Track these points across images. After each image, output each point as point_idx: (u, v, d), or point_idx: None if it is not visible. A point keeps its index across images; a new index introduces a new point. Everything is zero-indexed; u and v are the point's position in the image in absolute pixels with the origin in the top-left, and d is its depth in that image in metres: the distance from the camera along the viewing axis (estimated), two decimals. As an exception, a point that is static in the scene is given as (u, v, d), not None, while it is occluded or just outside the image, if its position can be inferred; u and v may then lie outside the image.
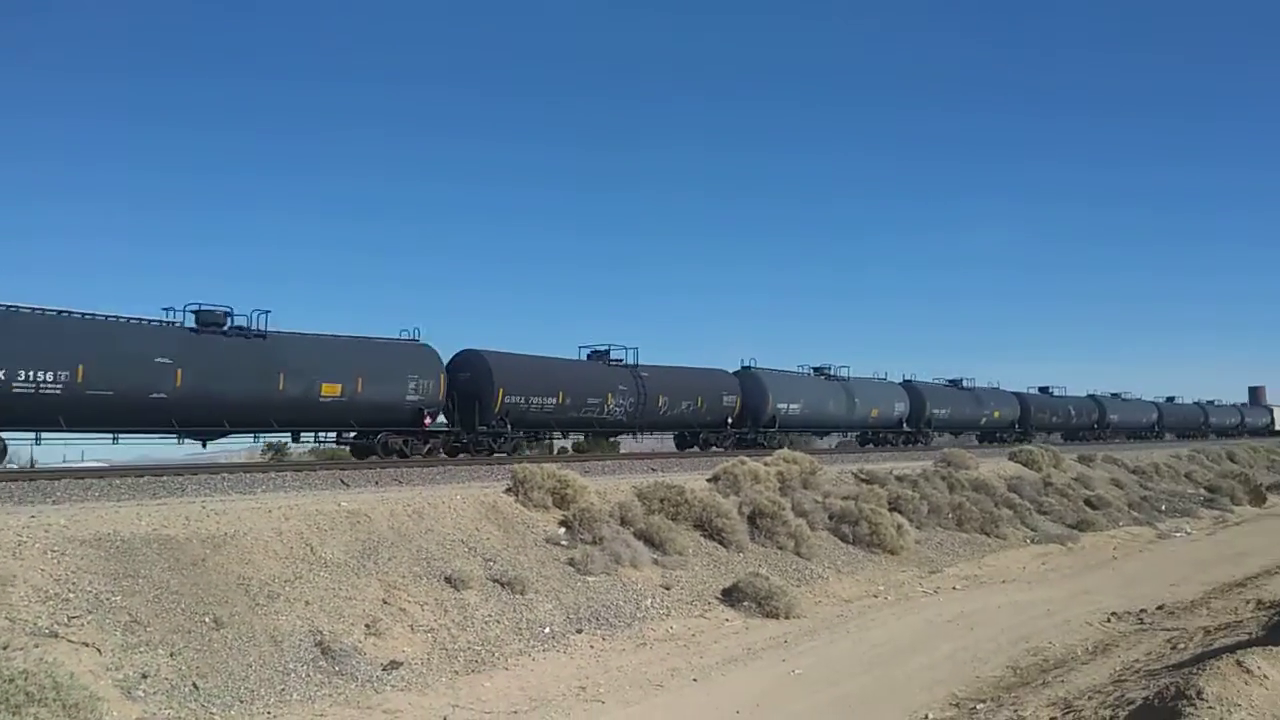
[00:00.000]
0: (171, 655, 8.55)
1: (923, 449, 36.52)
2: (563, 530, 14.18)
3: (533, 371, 25.35)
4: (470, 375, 23.87)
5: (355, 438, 22.29)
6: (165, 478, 15.44)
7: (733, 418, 31.31)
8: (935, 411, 41.46)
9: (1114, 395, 60.65)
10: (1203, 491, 33.04)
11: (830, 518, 18.19)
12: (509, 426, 24.08)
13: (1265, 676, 5.65)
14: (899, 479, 22.30)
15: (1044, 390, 53.91)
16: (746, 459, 19.65)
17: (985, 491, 23.38)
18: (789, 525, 16.73)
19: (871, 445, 38.34)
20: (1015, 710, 8.80)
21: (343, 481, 16.27)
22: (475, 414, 23.57)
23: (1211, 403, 72.92)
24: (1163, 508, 28.51)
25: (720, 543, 15.69)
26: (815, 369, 36.89)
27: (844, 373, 37.35)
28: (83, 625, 8.45)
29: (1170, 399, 68.73)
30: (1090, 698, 8.68)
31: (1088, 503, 26.25)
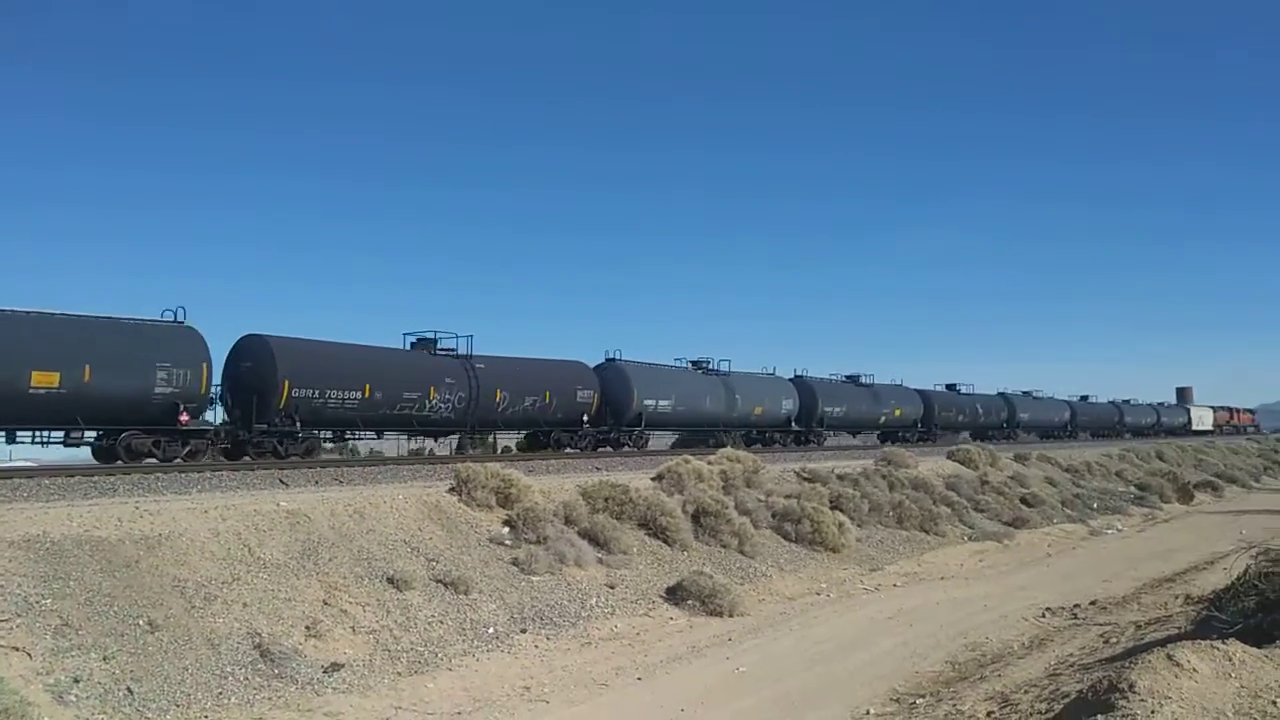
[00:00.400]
0: (105, 659, 8.34)
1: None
2: (506, 530, 14.10)
3: (330, 360, 22.04)
4: (252, 365, 20.61)
5: (98, 438, 18.65)
6: (97, 477, 15.04)
7: (590, 415, 28.36)
8: (828, 409, 38.68)
9: (1025, 393, 59.33)
10: (1133, 489, 33.88)
11: (773, 516, 18.33)
12: (298, 424, 20.87)
13: (1195, 670, 5.80)
14: (840, 478, 22.54)
15: (951, 387, 52.12)
16: (691, 457, 19.70)
17: (924, 490, 23.74)
18: (733, 524, 16.83)
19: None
20: (954, 705, 8.95)
21: (282, 481, 16.00)
22: (254, 410, 20.27)
23: (1127, 402, 72.47)
24: (1095, 505, 29.20)
25: (665, 541, 15.72)
26: (693, 362, 34.10)
27: (724, 366, 34.62)
28: (12, 629, 8.21)
29: (1084, 398, 67.51)
30: (1026, 691, 8.85)
31: (1024, 500, 26.77)
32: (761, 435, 36.29)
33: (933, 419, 46.89)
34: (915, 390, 47.34)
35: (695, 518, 16.80)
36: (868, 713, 9.27)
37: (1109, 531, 25.77)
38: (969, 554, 20.46)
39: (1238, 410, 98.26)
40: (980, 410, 52.24)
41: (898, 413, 44.32)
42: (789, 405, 36.81)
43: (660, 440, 34.19)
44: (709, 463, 19.86)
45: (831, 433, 40.85)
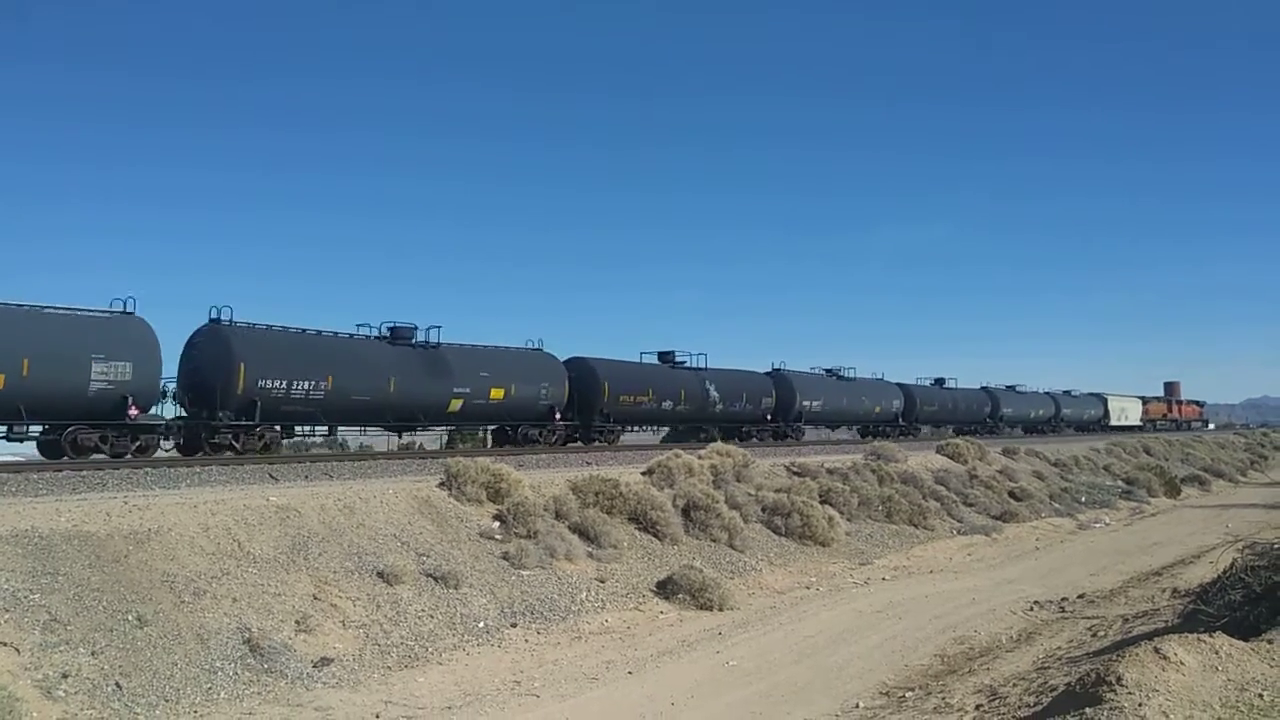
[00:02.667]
0: (93, 654, 8.32)
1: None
2: (497, 524, 14.09)
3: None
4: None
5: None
6: (85, 472, 15.00)
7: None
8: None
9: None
10: (1120, 484, 34.03)
11: (763, 510, 18.36)
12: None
13: (1182, 663, 5.84)
14: (830, 472, 22.60)
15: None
16: (681, 451, 19.72)
17: (913, 484, 23.81)
18: (723, 518, 16.85)
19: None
20: (943, 698, 8.99)
21: (271, 476, 15.96)
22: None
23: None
24: (1083, 499, 29.32)
25: (655, 536, 15.74)
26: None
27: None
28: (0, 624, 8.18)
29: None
30: (1015, 684, 8.90)
31: (1012, 494, 26.87)
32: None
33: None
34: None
35: (685, 512, 16.82)
36: (857, 706, 9.31)
37: (1096, 525, 25.89)
38: (958, 548, 20.54)
39: (1178, 401, 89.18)
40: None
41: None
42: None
43: (636, 437, 33.51)
44: (699, 457, 19.90)
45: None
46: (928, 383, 51.52)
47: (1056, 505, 27.50)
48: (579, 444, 28.69)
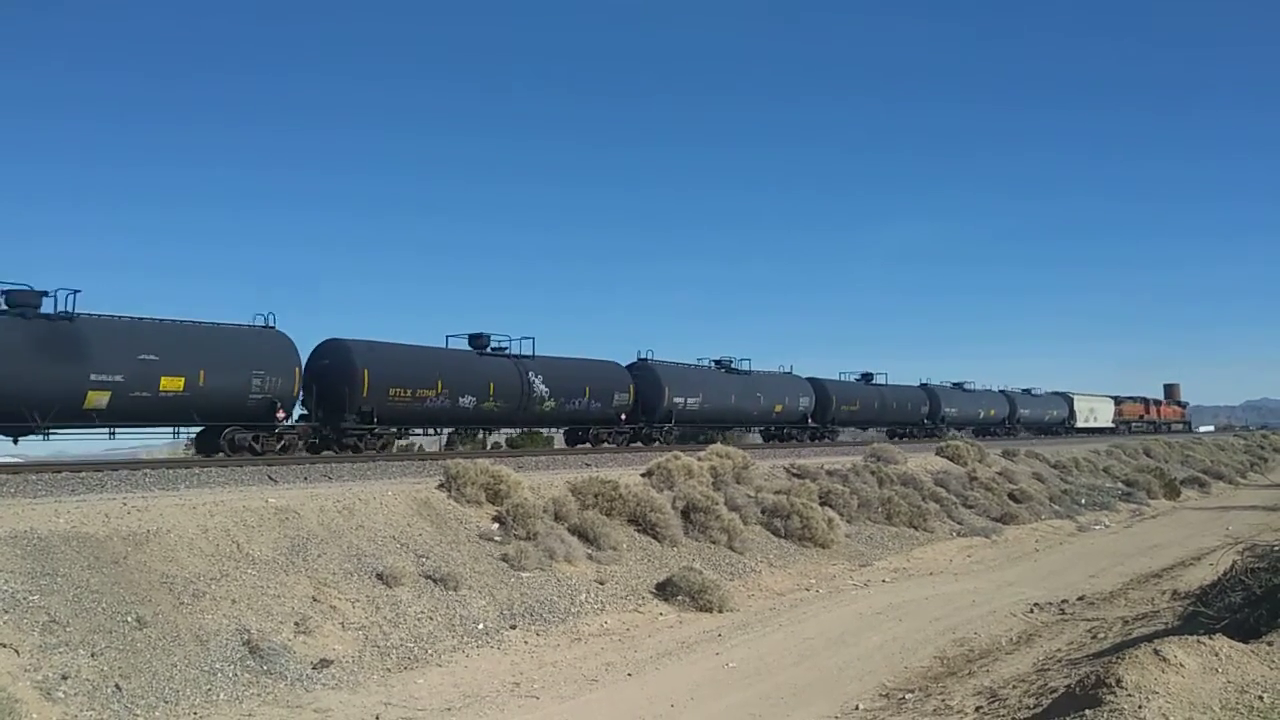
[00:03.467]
0: (93, 655, 8.31)
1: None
2: (496, 526, 14.08)
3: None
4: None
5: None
6: (84, 474, 15.01)
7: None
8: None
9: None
10: (1120, 486, 34.03)
11: (763, 512, 18.35)
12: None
13: (1181, 665, 5.83)
14: (829, 473, 22.59)
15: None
16: (681, 453, 19.70)
17: (913, 486, 23.80)
18: (722, 519, 16.84)
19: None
20: (943, 699, 8.99)
21: (270, 478, 15.96)
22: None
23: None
24: (1082, 501, 29.31)
25: (654, 537, 15.73)
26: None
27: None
28: (-2, 626, 8.17)
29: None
30: (1015, 686, 8.90)
31: (1012, 496, 26.85)
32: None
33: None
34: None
35: (685, 514, 16.81)
36: (857, 708, 9.30)
37: (1096, 527, 25.89)
38: (957, 550, 20.54)
39: (1157, 402, 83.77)
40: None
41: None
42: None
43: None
44: (699, 459, 19.88)
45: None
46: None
47: (1056, 507, 27.49)
48: (639, 445, 29.69)
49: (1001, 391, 58.78)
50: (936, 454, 29.89)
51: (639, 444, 30.57)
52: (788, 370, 40.32)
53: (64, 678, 7.91)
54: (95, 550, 9.72)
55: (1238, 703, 5.49)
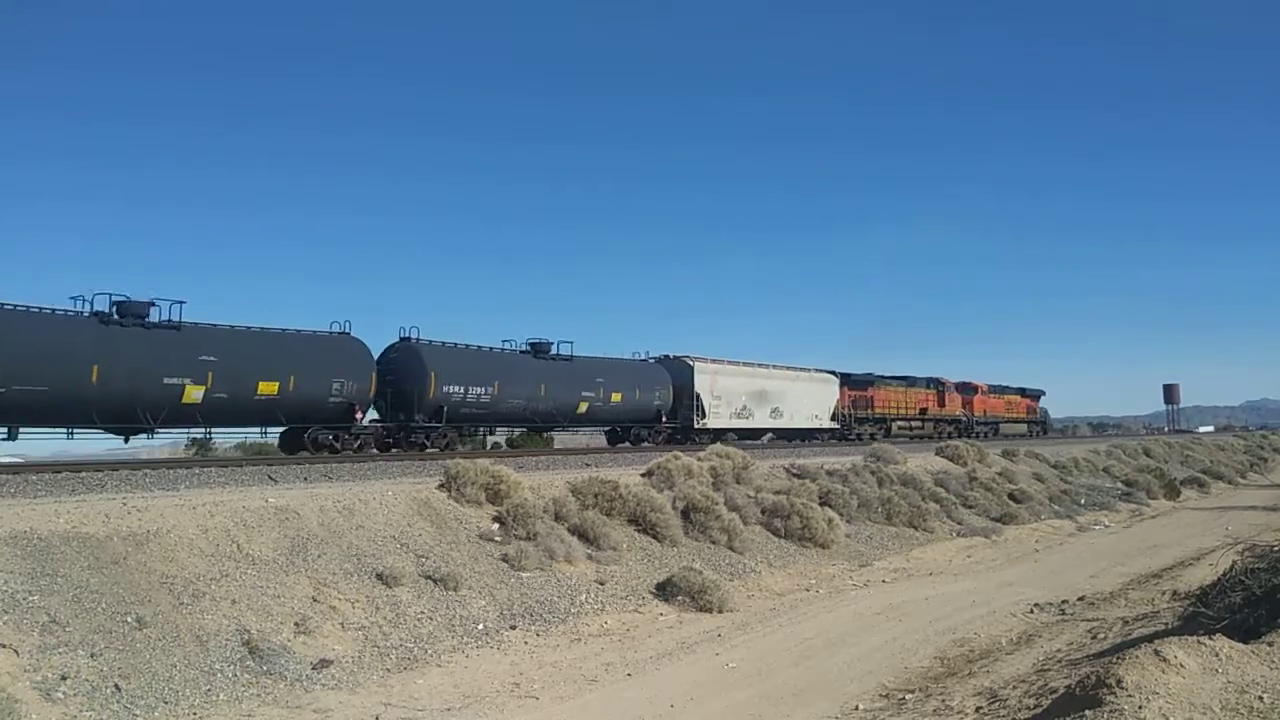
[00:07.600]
0: (92, 656, 8.31)
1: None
2: (496, 526, 14.08)
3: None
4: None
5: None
6: (84, 474, 14.99)
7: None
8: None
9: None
10: (1120, 486, 34.03)
11: (763, 512, 18.35)
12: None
13: (1182, 665, 5.83)
14: (829, 474, 22.59)
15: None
16: (680, 454, 19.70)
17: (913, 486, 23.81)
18: (722, 520, 16.84)
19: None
20: (943, 700, 8.98)
21: (270, 478, 15.95)
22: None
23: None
24: (1082, 501, 29.33)
25: (654, 537, 15.72)
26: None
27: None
28: (-2, 626, 8.17)
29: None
30: (1015, 687, 8.89)
31: (1012, 496, 26.87)
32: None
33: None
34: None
35: (685, 514, 16.81)
36: (857, 708, 9.29)
37: (1096, 527, 25.88)
38: (957, 550, 20.53)
39: (960, 390, 55.04)
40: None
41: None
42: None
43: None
44: (699, 459, 19.88)
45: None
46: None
47: (1056, 507, 27.50)
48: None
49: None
50: (936, 454, 29.90)
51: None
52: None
53: (63, 678, 7.91)
54: (95, 550, 9.72)
55: (1238, 703, 5.49)
